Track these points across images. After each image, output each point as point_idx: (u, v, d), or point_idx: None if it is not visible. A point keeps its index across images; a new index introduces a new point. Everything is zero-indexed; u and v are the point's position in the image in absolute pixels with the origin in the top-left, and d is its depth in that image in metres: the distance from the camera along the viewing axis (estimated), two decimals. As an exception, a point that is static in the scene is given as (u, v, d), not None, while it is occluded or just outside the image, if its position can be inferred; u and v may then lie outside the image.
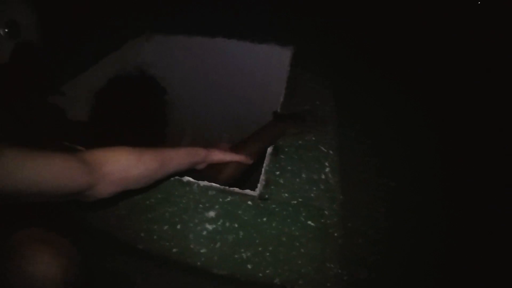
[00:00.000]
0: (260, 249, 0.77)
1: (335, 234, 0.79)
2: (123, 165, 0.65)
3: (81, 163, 0.58)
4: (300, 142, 0.96)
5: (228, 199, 0.84)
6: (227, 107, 1.89)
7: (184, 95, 1.79)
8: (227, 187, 0.87)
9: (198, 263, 0.76)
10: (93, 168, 0.59)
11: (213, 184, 0.88)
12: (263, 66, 1.60)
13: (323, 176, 0.88)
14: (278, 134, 0.99)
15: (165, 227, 0.82)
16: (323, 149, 0.94)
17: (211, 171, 0.91)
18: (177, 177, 0.90)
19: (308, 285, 0.73)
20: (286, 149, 0.94)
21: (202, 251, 0.78)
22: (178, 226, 0.81)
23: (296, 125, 0.99)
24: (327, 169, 0.89)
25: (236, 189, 0.87)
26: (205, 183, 0.88)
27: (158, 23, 1.74)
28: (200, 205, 0.84)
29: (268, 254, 0.76)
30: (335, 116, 1.04)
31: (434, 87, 1.26)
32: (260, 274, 0.74)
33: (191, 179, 0.89)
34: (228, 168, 0.92)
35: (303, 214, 0.81)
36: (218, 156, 0.90)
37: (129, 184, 0.68)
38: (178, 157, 0.78)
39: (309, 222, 0.80)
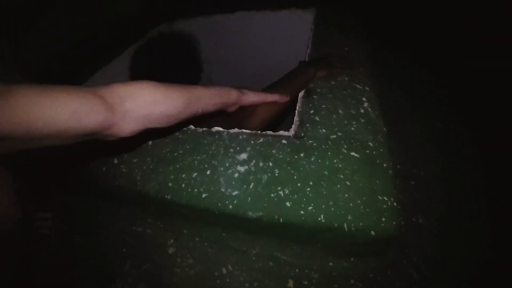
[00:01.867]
0: (299, 185, 0.68)
1: (384, 165, 0.70)
2: (147, 101, 0.58)
3: (100, 98, 0.52)
4: (332, 82, 0.89)
5: (261, 140, 0.77)
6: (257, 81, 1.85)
7: (212, 75, 1.78)
8: (258, 131, 0.80)
9: (230, 206, 0.68)
10: (113, 104, 0.54)
11: (244, 130, 0.81)
12: (288, 33, 1.57)
13: (362, 111, 0.79)
14: (307, 78, 0.91)
15: (194, 175, 0.75)
16: (359, 86, 0.86)
17: (242, 115, 0.84)
18: (205, 128, 0.84)
19: (358, 220, 0.63)
20: (319, 90, 0.87)
21: (234, 193, 0.70)
22: (208, 172, 0.75)
23: (326, 67, 0.92)
24: (366, 104, 0.81)
25: (269, 132, 0.80)
26: (235, 130, 0.82)
27: (177, 9, 1.76)
28: (231, 150, 0.77)
29: (308, 189, 0.67)
30: (365, 59, 0.97)
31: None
32: (302, 212, 0.65)
33: (220, 128, 0.83)
34: (261, 111, 0.85)
35: (345, 146, 0.72)
36: (251, 97, 0.81)
37: (152, 122, 0.61)
38: (208, 97, 0.70)
39: (353, 153, 0.71)
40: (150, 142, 0.84)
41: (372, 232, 0.62)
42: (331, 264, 0.72)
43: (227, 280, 0.72)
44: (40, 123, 0.44)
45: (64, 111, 0.47)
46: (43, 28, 1.12)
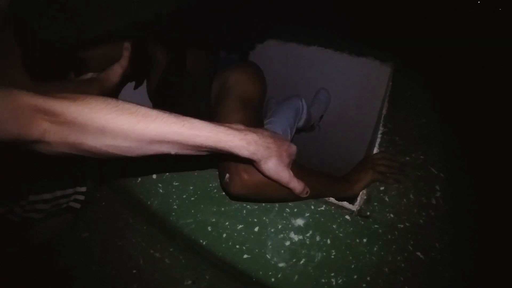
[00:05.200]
0: (355, 277, 0.61)
1: (445, 275, 0.63)
2: (74, 130, 0.44)
3: (19, 111, 0.41)
4: (407, 158, 0.81)
5: (322, 208, 0.69)
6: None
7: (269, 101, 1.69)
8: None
9: (273, 279, 0.61)
10: (33, 119, 0.42)
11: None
12: (360, 80, 1.48)
13: (433, 201, 0.72)
14: (343, 191, 0.73)
15: (239, 226, 0.67)
16: (433, 170, 0.78)
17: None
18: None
19: None
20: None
21: (280, 265, 0.62)
22: (256, 229, 0.67)
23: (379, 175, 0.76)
24: (438, 194, 0.74)
25: (332, 199, 0.72)
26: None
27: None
28: (287, 209, 0.69)
29: (364, 285, 0.60)
30: (442, 137, 0.89)
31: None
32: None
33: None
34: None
35: (411, 242, 0.65)
36: (269, 167, 0.56)
37: (82, 152, 0.47)
38: (184, 139, 0.48)
39: (418, 254, 0.64)
40: (196, 170, 0.75)
41: None
42: None
43: None
44: None
45: None
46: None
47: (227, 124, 0.52)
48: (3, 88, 0.41)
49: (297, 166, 0.62)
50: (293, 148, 0.60)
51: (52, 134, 0.44)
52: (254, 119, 0.67)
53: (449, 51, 1.42)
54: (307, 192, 0.62)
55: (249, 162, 0.56)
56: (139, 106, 0.46)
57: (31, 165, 0.65)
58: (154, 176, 0.75)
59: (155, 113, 0.46)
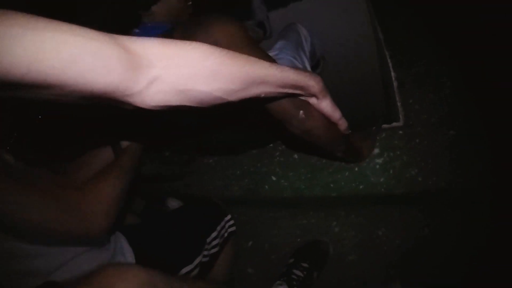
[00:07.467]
0: (422, 164, 1.02)
1: (468, 147, 1.00)
2: (190, 72, 0.43)
3: (122, 51, 0.37)
4: (419, 68, 1.12)
5: (383, 135, 1.08)
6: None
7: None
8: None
9: (382, 190, 1.04)
10: (140, 65, 0.39)
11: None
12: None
13: (447, 91, 1.06)
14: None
15: (346, 173, 1.08)
16: (441, 75, 1.09)
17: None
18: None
19: (453, 193, 0.99)
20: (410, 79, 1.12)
21: (381, 180, 1.04)
22: (356, 169, 1.07)
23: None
24: (448, 84, 1.07)
25: (386, 126, 1.09)
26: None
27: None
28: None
29: (429, 166, 1.01)
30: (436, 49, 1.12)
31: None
32: (430, 182, 1.00)
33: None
34: (320, 120, 0.73)
35: (444, 127, 1.03)
36: (328, 106, 0.69)
37: (191, 100, 0.46)
38: (278, 82, 0.55)
39: (451, 132, 1.02)
40: (295, 156, 1.13)
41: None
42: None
43: (384, 239, 1.08)
44: (24, 66, 0.29)
45: (60, 56, 0.31)
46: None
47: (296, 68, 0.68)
48: (99, 33, 0.36)
49: None
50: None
51: (162, 81, 0.41)
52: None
53: None
54: (347, 129, 0.77)
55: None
56: (236, 52, 0.50)
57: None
58: (274, 178, 1.16)
59: (252, 58, 0.52)
